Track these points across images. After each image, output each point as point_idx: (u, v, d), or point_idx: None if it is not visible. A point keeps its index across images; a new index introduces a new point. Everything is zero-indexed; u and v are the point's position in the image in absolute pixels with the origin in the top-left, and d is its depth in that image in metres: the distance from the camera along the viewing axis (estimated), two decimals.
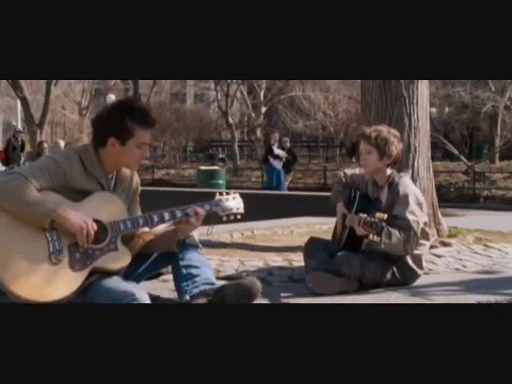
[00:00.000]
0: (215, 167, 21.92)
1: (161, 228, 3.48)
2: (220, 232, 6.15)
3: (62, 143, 15.82)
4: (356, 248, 3.99)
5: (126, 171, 3.39)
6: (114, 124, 3.15)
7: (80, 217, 3.02)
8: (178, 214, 3.31)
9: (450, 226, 6.10)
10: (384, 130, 4.05)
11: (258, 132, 30.41)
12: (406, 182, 3.98)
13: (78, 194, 3.17)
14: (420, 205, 3.92)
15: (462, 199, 16.98)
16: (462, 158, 20.85)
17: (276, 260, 4.94)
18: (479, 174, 19.64)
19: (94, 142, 3.26)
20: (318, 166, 25.41)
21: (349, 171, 4.38)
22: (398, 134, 4.12)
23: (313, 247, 4.14)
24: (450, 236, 5.95)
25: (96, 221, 3.11)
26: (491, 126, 24.59)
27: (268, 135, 15.64)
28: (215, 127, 34.97)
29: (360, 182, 4.22)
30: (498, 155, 23.36)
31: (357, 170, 4.36)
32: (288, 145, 18.12)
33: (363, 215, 3.64)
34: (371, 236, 3.62)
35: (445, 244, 5.59)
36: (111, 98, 29.26)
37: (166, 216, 3.31)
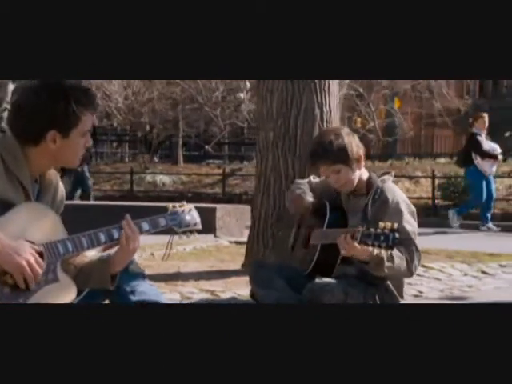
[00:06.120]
0: None
1: (93, 254, 3.37)
2: None
3: None
4: (328, 273, 4.08)
5: (50, 176, 3.23)
6: (56, 113, 3.02)
7: (19, 250, 2.84)
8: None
9: None
10: (330, 136, 4.08)
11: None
12: (391, 187, 4.09)
13: None
14: (413, 213, 4.01)
15: None
16: None
17: (192, 291, 4.94)
18: None
19: (20, 140, 3.07)
20: (112, 167, 25.19)
21: (303, 181, 4.44)
22: (346, 129, 4.22)
23: (264, 273, 4.20)
24: None
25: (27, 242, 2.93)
26: None
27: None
28: None
29: (325, 191, 4.28)
30: None
31: (316, 178, 4.42)
32: None
33: (359, 228, 3.64)
34: (377, 251, 3.60)
35: None
36: None
37: (115, 234, 3.20)
